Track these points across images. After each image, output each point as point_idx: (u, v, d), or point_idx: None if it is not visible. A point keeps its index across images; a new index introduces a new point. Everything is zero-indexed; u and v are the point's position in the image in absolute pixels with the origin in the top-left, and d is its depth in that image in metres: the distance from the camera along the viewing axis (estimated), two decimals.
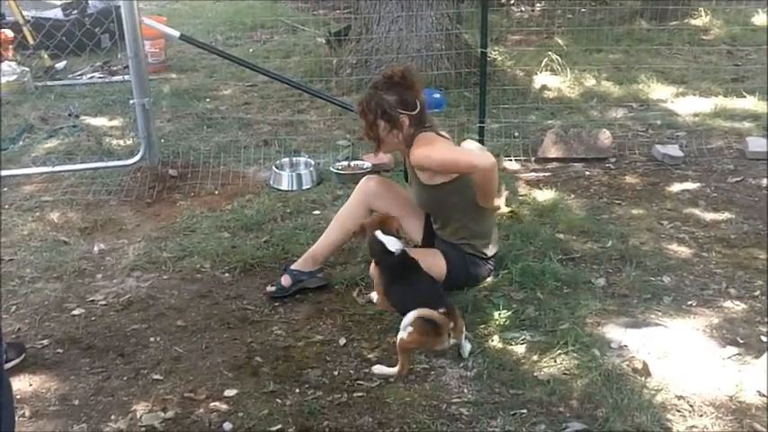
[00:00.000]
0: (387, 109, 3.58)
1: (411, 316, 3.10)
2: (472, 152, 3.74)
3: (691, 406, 2.91)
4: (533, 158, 5.56)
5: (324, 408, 2.97)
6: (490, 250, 3.80)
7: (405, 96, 3.59)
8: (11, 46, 8.04)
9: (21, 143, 6.05)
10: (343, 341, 3.42)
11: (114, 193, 5.13)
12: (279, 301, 3.78)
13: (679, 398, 2.96)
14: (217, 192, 5.16)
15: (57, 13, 8.76)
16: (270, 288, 3.85)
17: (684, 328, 3.43)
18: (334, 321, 3.59)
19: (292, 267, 3.86)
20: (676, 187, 5.04)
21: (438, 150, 3.58)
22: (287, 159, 5.46)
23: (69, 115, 6.63)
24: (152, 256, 4.25)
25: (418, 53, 7.04)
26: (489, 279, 3.82)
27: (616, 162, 5.50)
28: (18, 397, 3.00)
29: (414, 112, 3.60)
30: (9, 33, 8.05)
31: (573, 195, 4.93)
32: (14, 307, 3.80)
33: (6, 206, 4.94)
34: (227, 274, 4.06)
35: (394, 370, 3.15)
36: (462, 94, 6.68)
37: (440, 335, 3.11)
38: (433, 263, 3.65)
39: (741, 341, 3.31)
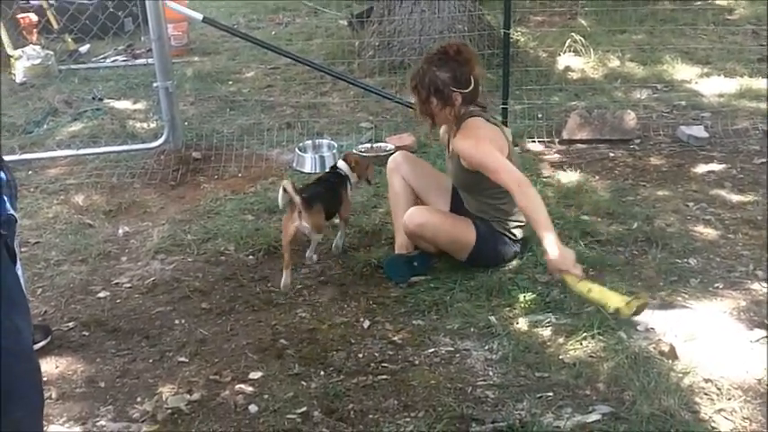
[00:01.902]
0: (440, 86, 3.55)
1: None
2: (513, 169, 3.45)
3: (719, 389, 2.88)
4: (557, 140, 5.52)
5: (349, 390, 2.97)
6: (519, 233, 3.79)
7: (458, 73, 3.56)
8: (35, 30, 8.09)
9: (45, 126, 6.09)
10: (367, 324, 3.42)
11: (138, 175, 5.16)
12: (302, 283, 3.79)
13: (707, 381, 2.93)
14: (240, 174, 5.18)
15: None
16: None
17: (711, 311, 3.39)
18: (359, 304, 3.59)
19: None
20: (702, 168, 4.98)
21: (482, 150, 3.51)
22: (310, 142, 5.46)
23: (93, 98, 6.67)
24: (176, 238, 4.27)
25: (441, 35, 6.98)
26: (514, 262, 3.81)
27: (641, 143, 5.45)
28: (45, 379, 3.02)
29: (466, 90, 3.58)
30: (33, 17, 8.09)
31: (597, 177, 4.89)
32: (40, 290, 3.83)
33: (32, 189, 4.99)
34: (251, 257, 4.07)
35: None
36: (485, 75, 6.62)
37: (291, 212, 3.68)
38: (463, 231, 3.69)
39: None
